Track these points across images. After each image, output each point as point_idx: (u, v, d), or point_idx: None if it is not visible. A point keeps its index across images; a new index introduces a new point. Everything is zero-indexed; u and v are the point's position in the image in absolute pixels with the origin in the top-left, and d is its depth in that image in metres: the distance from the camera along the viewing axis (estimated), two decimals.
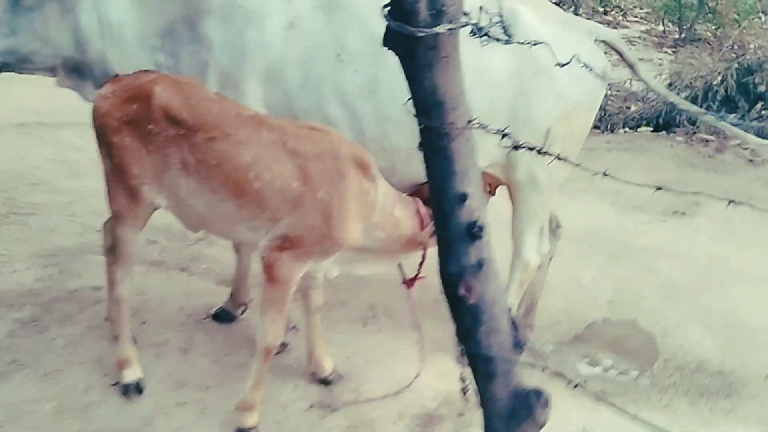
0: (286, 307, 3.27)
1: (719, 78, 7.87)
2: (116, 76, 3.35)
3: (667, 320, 4.61)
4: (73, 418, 3.39)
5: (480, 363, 2.46)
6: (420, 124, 2.25)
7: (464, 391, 2.71)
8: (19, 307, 4.07)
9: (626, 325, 4.53)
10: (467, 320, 2.41)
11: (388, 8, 2.10)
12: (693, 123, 7.67)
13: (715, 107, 7.56)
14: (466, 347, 2.46)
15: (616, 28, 14.97)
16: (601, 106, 7.95)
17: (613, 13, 16.15)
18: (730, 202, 2.52)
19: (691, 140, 7.55)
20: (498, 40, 2.20)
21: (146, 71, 3.31)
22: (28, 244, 4.80)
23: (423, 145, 2.29)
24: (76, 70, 3.60)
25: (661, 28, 14.35)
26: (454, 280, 2.36)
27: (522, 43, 2.35)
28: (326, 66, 3.43)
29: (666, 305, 4.78)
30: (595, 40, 3.83)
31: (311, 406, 3.54)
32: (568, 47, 3.61)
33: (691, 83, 7.93)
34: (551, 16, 3.74)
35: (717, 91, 7.79)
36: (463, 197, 2.29)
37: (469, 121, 2.24)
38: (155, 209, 3.35)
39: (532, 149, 2.53)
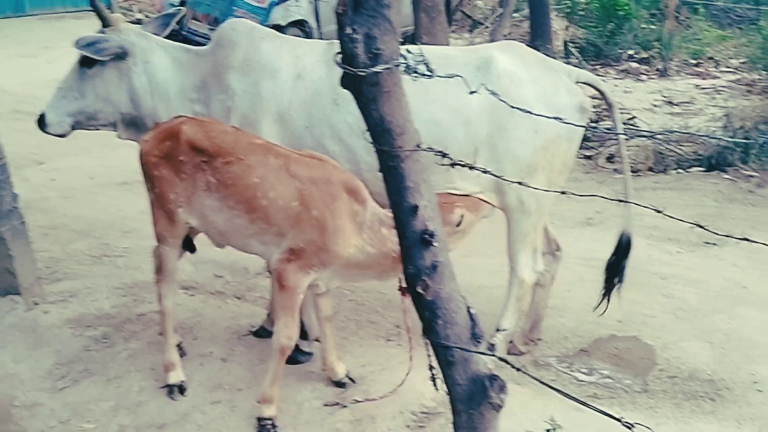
0: (297, 312, 3.85)
1: None
2: (157, 124, 4.11)
3: (671, 336, 4.89)
4: (125, 414, 4.10)
5: (440, 351, 2.87)
6: (375, 149, 2.78)
7: (433, 378, 3.13)
8: (95, 327, 4.82)
9: (629, 340, 4.86)
10: (426, 314, 2.81)
11: (339, 54, 2.67)
12: (744, 162, 7.91)
13: None
14: (428, 338, 2.88)
15: (705, 78, 15.17)
16: (654, 148, 8.34)
17: (704, 64, 16.36)
18: (743, 239, 2.74)
19: (737, 177, 7.76)
20: (423, 75, 2.73)
21: (177, 117, 4.06)
22: (113, 280, 5.59)
23: (380, 166, 2.76)
24: (133, 124, 4.41)
25: (756, 76, 14.42)
26: (413, 280, 2.80)
27: (441, 76, 2.83)
28: (325, 109, 4.10)
29: (673, 324, 5.06)
30: (577, 82, 4.33)
31: (324, 405, 4.09)
32: (544, 85, 4.20)
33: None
34: (532, 61, 4.29)
35: None
36: (415, 209, 2.73)
37: (417, 145, 2.76)
38: (189, 229, 4.04)
39: (464, 166, 3.01)
